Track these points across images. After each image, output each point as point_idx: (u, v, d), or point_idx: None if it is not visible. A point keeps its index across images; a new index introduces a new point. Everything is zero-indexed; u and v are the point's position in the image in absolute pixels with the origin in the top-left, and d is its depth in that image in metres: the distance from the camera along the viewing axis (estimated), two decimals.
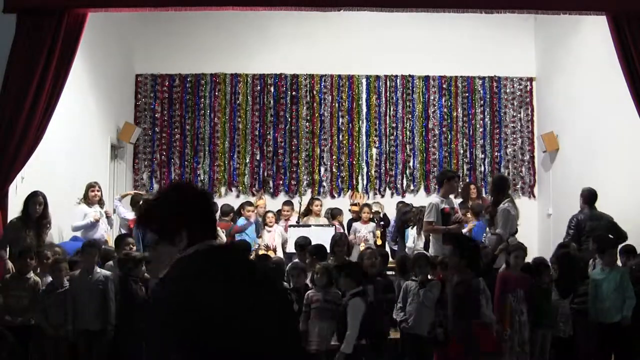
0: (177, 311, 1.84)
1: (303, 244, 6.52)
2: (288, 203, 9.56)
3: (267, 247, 8.25)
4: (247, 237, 8.37)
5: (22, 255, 5.62)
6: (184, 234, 2.00)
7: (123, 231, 8.01)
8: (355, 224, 8.69)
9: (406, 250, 7.70)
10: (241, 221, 8.65)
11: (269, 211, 8.98)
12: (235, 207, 9.47)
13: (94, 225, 7.14)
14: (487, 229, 7.44)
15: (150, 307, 1.98)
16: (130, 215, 7.91)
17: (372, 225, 8.62)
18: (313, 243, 6.42)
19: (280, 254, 8.05)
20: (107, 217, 7.40)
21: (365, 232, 8.50)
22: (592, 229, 7.11)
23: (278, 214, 9.14)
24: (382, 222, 8.80)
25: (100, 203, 7.38)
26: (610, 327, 5.81)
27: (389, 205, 9.73)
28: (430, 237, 7.05)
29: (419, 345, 5.52)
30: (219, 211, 9.04)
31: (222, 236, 8.25)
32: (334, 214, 9.18)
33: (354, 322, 4.89)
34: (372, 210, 8.83)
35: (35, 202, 6.06)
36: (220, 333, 1.83)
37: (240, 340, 1.85)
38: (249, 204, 9.06)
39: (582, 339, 5.90)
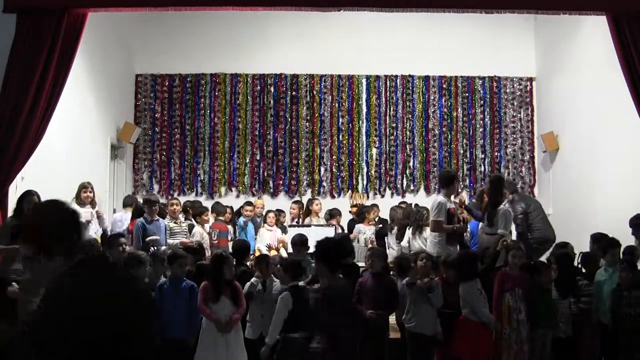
0: (74, 319, 2.01)
1: (299, 241, 6.51)
2: (297, 202, 9.58)
3: (269, 247, 8.24)
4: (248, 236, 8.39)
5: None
6: (60, 248, 2.21)
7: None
8: (359, 226, 8.67)
9: (402, 250, 7.69)
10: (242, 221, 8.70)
11: (270, 211, 8.97)
12: (235, 207, 9.49)
13: (84, 226, 7.11)
14: (480, 226, 7.41)
15: (40, 322, 2.11)
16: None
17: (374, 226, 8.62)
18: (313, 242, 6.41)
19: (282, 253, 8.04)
20: (99, 217, 7.36)
21: (369, 234, 8.50)
22: (536, 207, 7.80)
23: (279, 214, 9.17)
24: (380, 225, 8.79)
25: (92, 204, 7.35)
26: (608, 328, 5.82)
27: (388, 205, 9.71)
28: (430, 237, 7.03)
29: (422, 345, 5.53)
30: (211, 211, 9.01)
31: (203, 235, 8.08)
32: (332, 214, 9.17)
33: (277, 315, 4.93)
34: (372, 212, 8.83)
35: (30, 202, 6.03)
36: (114, 332, 2.07)
37: (127, 335, 2.12)
38: (249, 204, 9.07)
39: (582, 339, 5.89)
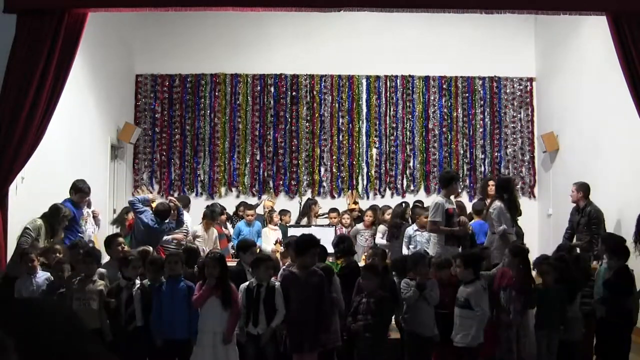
0: None
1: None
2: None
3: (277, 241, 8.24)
4: (249, 237, 8.39)
5: (23, 257, 5.58)
6: None
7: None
8: (359, 226, 8.67)
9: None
10: (241, 225, 8.70)
11: (273, 210, 9.04)
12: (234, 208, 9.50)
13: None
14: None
15: None
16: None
17: (373, 228, 8.60)
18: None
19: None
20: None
21: (367, 235, 8.48)
22: None
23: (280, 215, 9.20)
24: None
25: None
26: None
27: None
28: (431, 238, 7.04)
29: (420, 345, 5.53)
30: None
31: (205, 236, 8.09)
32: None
33: (278, 302, 5.30)
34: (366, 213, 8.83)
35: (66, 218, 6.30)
36: None
37: None
38: (249, 207, 9.00)
39: (588, 340, 5.89)
